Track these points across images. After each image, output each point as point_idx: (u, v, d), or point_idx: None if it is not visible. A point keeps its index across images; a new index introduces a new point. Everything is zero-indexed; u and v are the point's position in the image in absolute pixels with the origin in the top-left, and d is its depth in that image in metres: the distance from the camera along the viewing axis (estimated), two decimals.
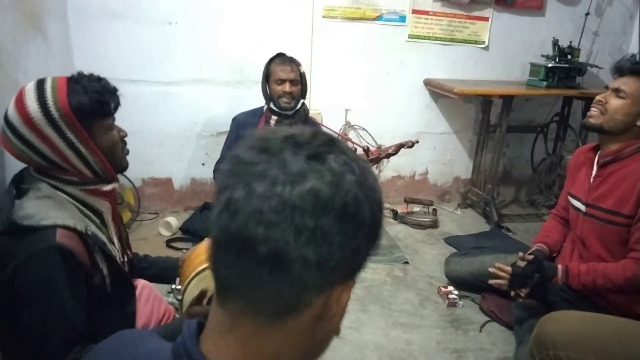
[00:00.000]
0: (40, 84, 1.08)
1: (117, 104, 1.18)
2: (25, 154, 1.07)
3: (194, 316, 1.14)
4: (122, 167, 1.25)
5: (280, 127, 0.53)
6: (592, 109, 1.76)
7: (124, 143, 1.24)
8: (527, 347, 1.57)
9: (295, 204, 0.45)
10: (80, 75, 1.13)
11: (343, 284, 0.51)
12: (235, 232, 0.47)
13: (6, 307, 1.03)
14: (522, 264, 1.78)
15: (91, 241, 1.09)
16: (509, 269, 1.78)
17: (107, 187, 1.19)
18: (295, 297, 0.49)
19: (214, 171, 2.56)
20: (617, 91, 1.69)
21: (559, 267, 1.72)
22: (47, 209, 1.05)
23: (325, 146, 0.49)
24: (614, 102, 1.69)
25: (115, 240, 1.25)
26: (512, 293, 1.81)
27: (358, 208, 0.48)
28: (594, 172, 1.79)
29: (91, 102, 1.09)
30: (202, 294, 1.15)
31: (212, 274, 0.53)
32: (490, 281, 1.82)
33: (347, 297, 0.53)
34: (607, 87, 1.76)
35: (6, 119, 1.06)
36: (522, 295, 1.78)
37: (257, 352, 0.51)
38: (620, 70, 1.72)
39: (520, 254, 1.81)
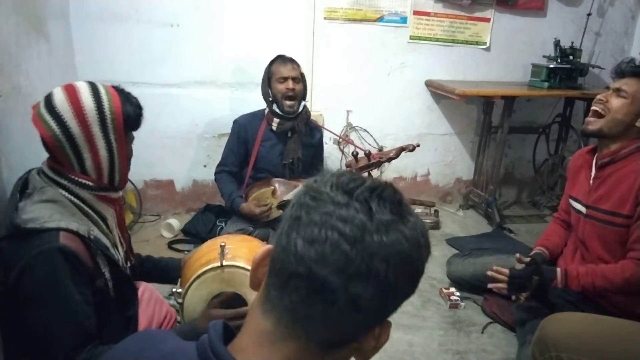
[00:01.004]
0: (93, 86, 1.12)
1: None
2: (59, 142, 1.07)
3: (213, 318, 1.15)
4: (126, 178, 1.28)
5: (360, 175, 0.54)
6: (592, 108, 1.76)
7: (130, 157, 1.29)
8: (529, 349, 1.57)
9: (381, 256, 0.47)
10: (120, 88, 1.18)
11: (381, 324, 0.54)
12: (318, 275, 0.47)
13: (13, 310, 1.04)
14: (519, 266, 1.78)
15: (94, 245, 1.09)
16: (506, 271, 1.77)
17: (116, 195, 1.22)
18: (353, 335, 0.52)
19: (216, 173, 2.56)
20: (618, 91, 1.69)
21: (558, 270, 1.71)
22: (50, 212, 1.05)
23: (405, 205, 0.52)
24: (615, 102, 1.69)
25: (119, 245, 1.25)
26: (513, 297, 1.81)
27: (422, 270, 0.53)
28: (592, 174, 1.79)
29: (135, 117, 1.18)
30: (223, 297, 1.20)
31: (268, 289, 0.53)
32: (490, 285, 1.81)
33: (386, 336, 0.54)
34: (607, 88, 1.76)
35: (53, 107, 1.07)
36: (523, 298, 1.77)
37: None
38: (620, 73, 1.72)
39: (517, 255, 1.81)
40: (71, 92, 1.09)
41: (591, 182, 1.78)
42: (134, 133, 1.24)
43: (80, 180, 1.11)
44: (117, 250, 1.23)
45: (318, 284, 0.47)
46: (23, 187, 1.12)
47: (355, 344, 0.52)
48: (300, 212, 0.49)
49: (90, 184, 1.12)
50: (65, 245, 1.01)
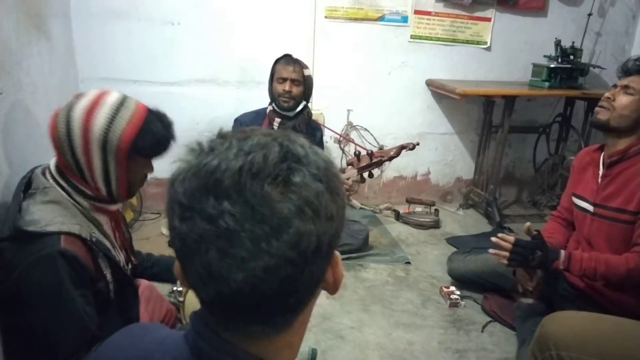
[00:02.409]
0: (119, 105, 1.08)
1: (164, 152, 1.18)
2: (62, 147, 1.07)
3: None
4: (132, 195, 1.26)
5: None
6: (600, 104, 1.76)
7: (144, 178, 1.25)
8: (529, 348, 1.57)
9: (286, 258, 0.45)
10: (155, 115, 1.15)
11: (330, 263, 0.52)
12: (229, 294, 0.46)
13: (13, 313, 1.04)
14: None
15: (95, 247, 1.09)
16: (511, 238, 1.74)
17: (113, 207, 1.20)
18: (303, 306, 0.52)
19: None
20: (625, 88, 1.70)
21: (562, 251, 1.71)
22: (52, 215, 1.05)
23: (282, 164, 0.47)
24: (622, 99, 1.69)
25: (118, 248, 1.25)
26: (520, 287, 1.79)
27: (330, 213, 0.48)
28: (601, 172, 1.79)
29: (150, 147, 1.12)
30: None
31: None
32: (491, 251, 1.78)
33: (339, 272, 0.54)
34: (615, 86, 1.76)
35: (71, 110, 1.06)
36: (531, 289, 1.77)
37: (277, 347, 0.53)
38: (627, 71, 1.73)
39: (528, 223, 1.77)
40: (93, 105, 1.07)
41: (599, 180, 1.78)
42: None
43: (79, 186, 1.11)
44: (118, 251, 1.23)
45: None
46: (27, 186, 1.12)
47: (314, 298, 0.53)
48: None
49: (88, 192, 1.11)
50: (66, 249, 1.02)
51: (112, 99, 1.09)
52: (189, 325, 0.54)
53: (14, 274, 1.00)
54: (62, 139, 1.06)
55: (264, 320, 0.50)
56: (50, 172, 1.11)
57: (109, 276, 1.13)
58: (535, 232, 1.76)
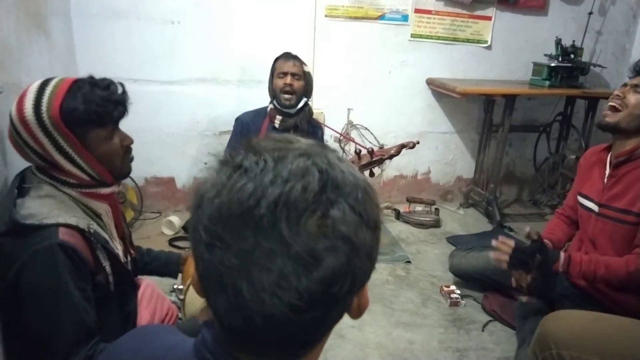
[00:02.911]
0: (42, 86, 1.08)
1: (121, 115, 1.15)
2: (22, 149, 1.09)
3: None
4: (122, 174, 1.23)
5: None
6: (609, 103, 1.74)
7: (128, 150, 1.21)
8: (528, 348, 1.57)
9: (317, 299, 0.42)
10: (86, 82, 1.11)
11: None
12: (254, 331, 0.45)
13: (12, 307, 1.04)
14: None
15: (93, 239, 1.09)
16: (511, 242, 1.75)
17: (106, 191, 1.18)
18: (326, 336, 0.51)
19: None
20: (636, 87, 1.68)
21: (562, 254, 1.71)
22: (49, 208, 1.05)
23: (322, 195, 0.43)
24: (633, 97, 1.68)
25: (117, 240, 1.25)
26: (515, 282, 1.79)
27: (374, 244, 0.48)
28: (607, 173, 1.78)
29: (87, 112, 1.07)
30: None
31: None
32: (491, 254, 1.79)
33: (365, 298, 0.52)
34: (625, 85, 1.74)
35: (10, 115, 1.07)
36: (524, 285, 1.77)
37: None
38: (638, 70, 1.72)
39: (528, 227, 1.78)
40: (20, 98, 1.06)
41: (605, 180, 1.78)
42: (132, 128, 1.19)
43: (60, 177, 1.10)
44: (116, 244, 1.22)
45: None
46: (20, 183, 1.12)
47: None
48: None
49: (71, 180, 1.10)
50: (65, 241, 1.01)
51: (35, 83, 1.09)
52: (199, 337, 0.53)
53: (13, 268, 1.00)
54: (15, 139, 1.07)
55: (284, 351, 0.48)
56: (36, 173, 1.12)
57: (108, 268, 1.13)
58: (535, 236, 1.76)
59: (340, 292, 0.43)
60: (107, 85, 1.13)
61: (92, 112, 1.08)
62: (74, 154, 1.09)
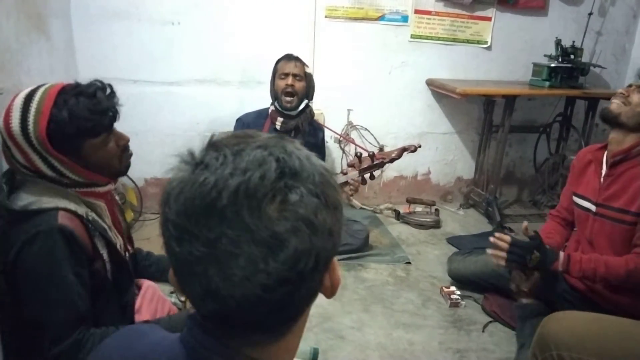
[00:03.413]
0: (27, 101, 1.03)
1: (112, 120, 1.11)
2: (11, 161, 1.07)
3: None
4: (121, 172, 1.22)
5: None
6: (614, 99, 1.74)
7: (125, 150, 1.20)
8: (528, 350, 1.57)
9: (284, 278, 0.45)
10: (70, 93, 1.06)
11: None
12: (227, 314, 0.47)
13: (11, 290, 1.04)
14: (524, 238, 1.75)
15: (91, 225, 1.09)
16: (508, 238, 1.74)
17: (102, 190, 1.18)
18: (302, 313, 0.52)
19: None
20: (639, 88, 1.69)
21: (561, 253, 1.71)
22: (48, 195, 1.05)
23: (280, 181, 0.45)
24: (637, 97, 1.68)
25: (116, 232, 1.25)
26: (514, 286, 1.79)
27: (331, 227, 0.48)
28: (604, 172, 1.78)
29: (75, 127, 1.04)
30: None
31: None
32: (488, 251, 1.78)
33: (336, 276, 0.53)
34: (630, 85, 1.75)
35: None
36: (525, 289, 1.76)
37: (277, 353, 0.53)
38: None
39: (525, 223, 1.77)
40: (6, 113, 1.04)
41: (602, 180, 1.78)
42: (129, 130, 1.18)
43: (55, 179, 1.09)
44: (115, 234, 1.22)
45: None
46: (11, 177, 1.10)
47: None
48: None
49: (65, 181, 1.09)
50: (64, 225, 1.02)
51: (19, 97, 1.05)
52: (184, 329, 0.54)
53: (12, 251, 1.01)
54: (4, 151, 1.06)
55: (263, 330, 0.50)
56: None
57: (105, 256, 1.13)
58: (533, 233, 1.76)
59: (305, 268, 0.45)
60: (93, 93, 1.08)
61: (81, 126, 1.05)
62: (66, 170, 1.08)
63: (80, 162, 1.09)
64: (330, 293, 0.53)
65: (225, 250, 0.44)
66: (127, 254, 1.29)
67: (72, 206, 1.06)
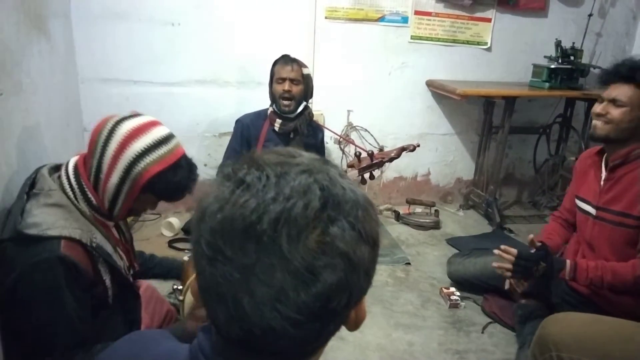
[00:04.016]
0: (161, 142, 1.13)
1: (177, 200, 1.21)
2: (95, 149, 1.10)
3: (198, 319, 1.15)
4: (126, 218, 1.28)
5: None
6: (594, 122, 1.75)
7: (146, 211, 1.28)
8: (528, 350, 1.57)
9: (315, 313, 0.44)
10: (186, 166, 1.17)
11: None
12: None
13: (9, 314, 1.04)
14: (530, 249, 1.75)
15: (96, 253, 1.10)
16: (514, 251, 1.73)
17: (110, 223, 1.21)
18: (324, 346, 0.52)
19: (217, 173, 2.57)
20: (614, 101, 1.69)
21: (568, 261, 1.70)
22: (55, 218, 1.05)
23: (322, 213, 0.44)
24: (616, 112, 1.68)
25: (120, 252, 1.25)
26: (508, 285, 1.78)
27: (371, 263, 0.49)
28: (603, 176, 1.78)
29: (166, 190, 1.15)
30: None
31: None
32: (494, 264, 1.78)
33: (363, 310, 0.53)
34: (601, 99, 1.75)
35: (120, 122, 1.10)
36: (519, 290, 1.76)
37: None
38: (606, 80, 1.73)
39: (531, 235, 1.77)
40: (140, 129, 1.11)
41: (602, 183, 1.78)
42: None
43: (87, 193, 1.11)
44: (119, 256, 1.23)
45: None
46: (31, 187, 1.12)
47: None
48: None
49: (94, 201, 1.12)
50: (66, 255, 1.02)
51: (158, 132, 1.13)
52: (194, 342, 0.53)
53: (13, 274, 1.00)
54: (99, 143, 1.09)
55: (284, 358, 0.49)
56: (62, 173, 1.12)
57: (108, 282, 1.14)
58: (539, 244, 1.75)
59: (337, 306, 0.44)
60: (194, 178, 1.20)
61: (169, 194, 1.17)
62: (122, 199, 1.12)
63: (130, 204, 1.15)
64: (354, 327, 0.52)
65: (258, 278, 0.43)
66: (131, 272, 1.30)
67: (77, 233, 1.06)
